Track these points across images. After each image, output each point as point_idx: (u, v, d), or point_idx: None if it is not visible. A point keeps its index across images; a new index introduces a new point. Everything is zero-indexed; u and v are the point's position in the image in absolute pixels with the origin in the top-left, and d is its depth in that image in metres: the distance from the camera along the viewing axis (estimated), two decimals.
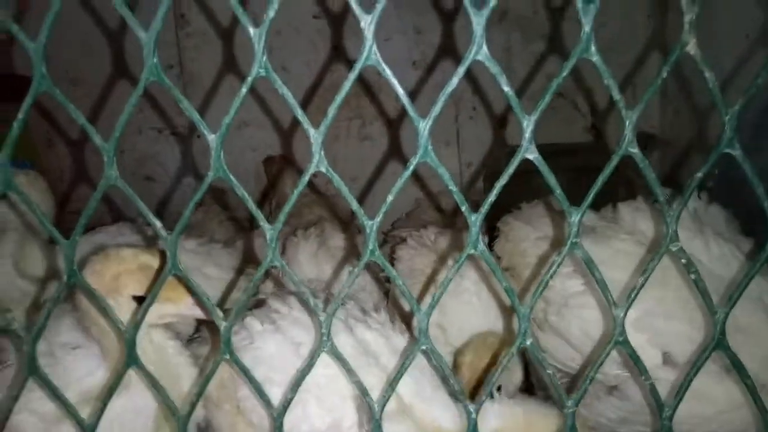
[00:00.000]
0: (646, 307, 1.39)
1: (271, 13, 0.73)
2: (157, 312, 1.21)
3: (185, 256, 1.87)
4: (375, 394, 0.91)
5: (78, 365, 1.30)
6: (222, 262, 1.94)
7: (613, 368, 1.46)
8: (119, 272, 1.24)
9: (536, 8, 3.01)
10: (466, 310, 1.70)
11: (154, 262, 1.24)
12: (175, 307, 1.21)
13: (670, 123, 2.62)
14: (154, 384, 0.90)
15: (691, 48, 0.76)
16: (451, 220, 2.62)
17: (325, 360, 0.89)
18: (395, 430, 0.97)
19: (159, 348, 1.29)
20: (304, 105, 2.91)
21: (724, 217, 1.56)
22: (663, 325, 1.42)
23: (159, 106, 3.05)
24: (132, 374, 1.24)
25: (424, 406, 1.20)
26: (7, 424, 1.24)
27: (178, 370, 1.29)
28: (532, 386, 1.74)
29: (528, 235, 1.76)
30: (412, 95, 2.99)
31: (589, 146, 3.07)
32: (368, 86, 3.08)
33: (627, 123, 0.79)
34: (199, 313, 1.19)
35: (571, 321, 1.52)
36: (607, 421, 1.53)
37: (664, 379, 1.36)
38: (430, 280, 1.77)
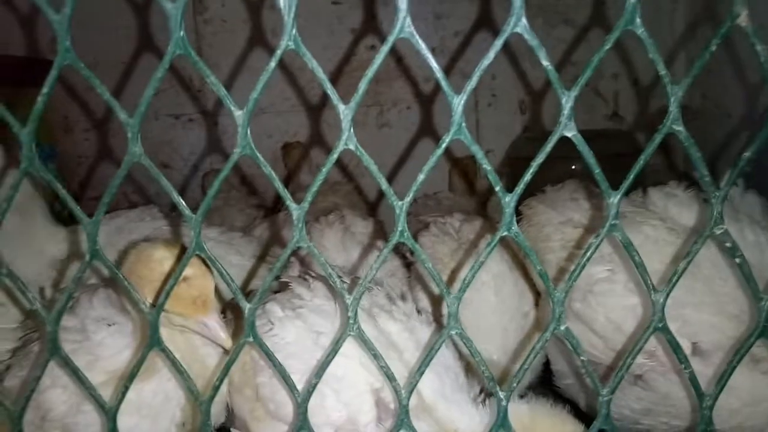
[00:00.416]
0: (675, 295, 1.35)
1: None
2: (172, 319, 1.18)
3: (209, 244, 1.86)
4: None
5: (111, 342, 1.28)
6: (243, 249, 1.93)
7: (638, 357, 1.42)
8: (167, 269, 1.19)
9: None
10: (482, 306, 1.66)
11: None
12: (184, 320, 1.17)
13: (698, 107, 2.55)
14: (177, 367, 0.88)
15: (743, 20, 0.72)
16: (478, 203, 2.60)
17: (346, 350, 0.86)
18: (416, 426, 0.95)
19: (188, 336, 1.27)
20: (323, 91, 2.89)
21: (761, 205, 1.51)
22: (692, 315, 1.38)
23: (176, 92, 3.05)
24: (159, 362, 1.24)
25: (445, 406, 1.18)
26: (39, 400, 1.24)
27: (207, 359, 1.27)
28: (550, 376, 1.71)
29: (551, 219, 1.72)
30: (433, 81, 2.96)
31: (611, 133, 3.01)
32: (387, 72, 3.05)
33: (672, 99, 0.75)
34: (223, 336, 1.16)
35: (597, 308, 1.49)
36: (630, 412, 1.49)
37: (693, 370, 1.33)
38: (453, 270, 1.73)
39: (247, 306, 0.86)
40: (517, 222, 1.89)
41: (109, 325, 1.32)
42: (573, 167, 2.45)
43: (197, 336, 1.25)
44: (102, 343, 1.29)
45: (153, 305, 0.93)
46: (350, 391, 1.19)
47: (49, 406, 1.24)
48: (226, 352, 1.20)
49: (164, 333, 1.22)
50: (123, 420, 1.23)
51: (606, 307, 1.48)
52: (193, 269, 1.12)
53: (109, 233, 1.71)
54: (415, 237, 2.01)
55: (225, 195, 2.72)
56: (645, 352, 1.42)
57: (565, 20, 2.92)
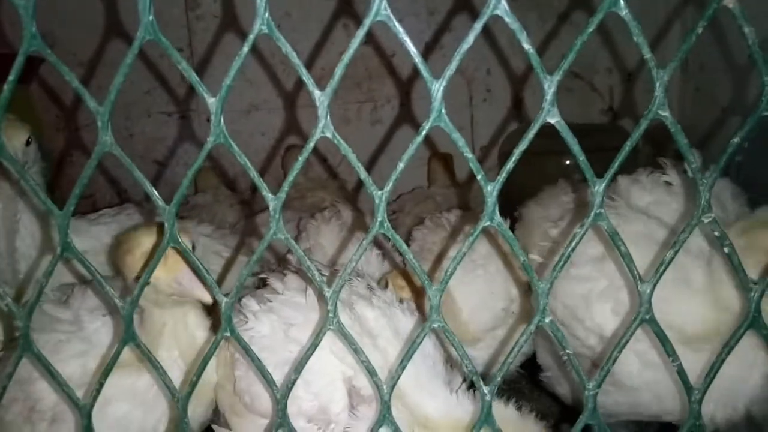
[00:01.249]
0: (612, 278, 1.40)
1: None
2: (158, 287, 1.16)
3: (203, 240, 1.86)
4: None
5: (106, 331, 1.28)
6: (235, 245, 1.94)
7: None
8: (149, 249, 1.18)
9: None
10: (476, 287, 1.65)
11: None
12: (168, 276, 1.14)
13: (690, 99, 2.53)
14: (152, 363, 0.86)
15: (729, 2, 0.70)
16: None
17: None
18: None
19: (191, 334, 1.26)
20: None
21: (731, 191, 1.49)
22: (626, 297, 1.39)
23: (167, 90, 3.02)
24: (160, 353, 1.22)
25: (415, 392, 1.17)
26: (28, 391, 1.23)
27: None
28: (537, 370, 1.69)
29: (547, 217, 1.71)
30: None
31: (606, 128, 2.99)
32: (380, 68, 3.03)
33: (657, 84, 0.73)
34: (199, 291, 1.14)
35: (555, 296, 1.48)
36: (614, 404, 1.47)
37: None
38: (440, 257, 1.71)
39: (224, 300, 0.84)
40: (513, 223, 1.89)
41: (104, 315, 1.31)
42: (567, 162, 2.44)
43: (199, 333, 1.24)
44: (97, 331, 1.29)
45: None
46: (321, 380, 1.17)
47: (37, 396, 1.23)
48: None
49: (168, 324, 1.23)
50: (116, 407, 1.22)
51: (563, 293, 1.47)
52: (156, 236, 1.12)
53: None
54: (409, 232, 2.00)
55: (214, 191, 2.70)
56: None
57: (559, 15, 2.89)
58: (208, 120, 2.61)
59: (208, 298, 1.14)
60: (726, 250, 0.78)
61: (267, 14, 0.70)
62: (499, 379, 0.85)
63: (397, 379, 0.85)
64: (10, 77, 0.73)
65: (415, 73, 2.99)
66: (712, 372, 0.80)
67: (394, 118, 3.07)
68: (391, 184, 0.78)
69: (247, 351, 0.85)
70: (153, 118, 3.11)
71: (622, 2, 0.71)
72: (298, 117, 3.06)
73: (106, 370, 0.86)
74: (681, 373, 0.82)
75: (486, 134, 3.06)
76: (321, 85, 0.73)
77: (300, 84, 2.98)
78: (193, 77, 0.73)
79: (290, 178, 0.78)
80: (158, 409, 1.27)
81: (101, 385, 0.87)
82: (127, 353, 1.16)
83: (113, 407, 1.21)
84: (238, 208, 2.59)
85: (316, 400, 1.15)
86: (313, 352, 0.84)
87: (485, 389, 0.85)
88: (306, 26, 2.94)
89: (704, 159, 1.07)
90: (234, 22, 2.88)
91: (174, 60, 0.73)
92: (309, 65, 2.87)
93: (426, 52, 2.96)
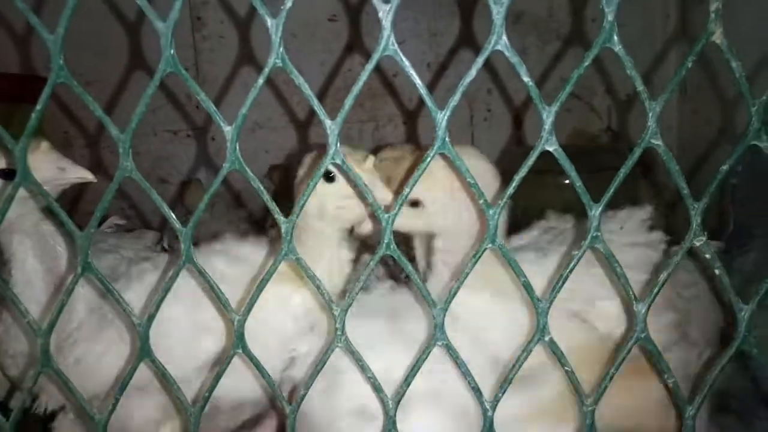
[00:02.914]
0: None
1: (289, 3, 0.72)
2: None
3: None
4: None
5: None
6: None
7: None
8: None
9: (552, 10, 3.00)
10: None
11: None
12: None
13: (689, 121, 2.59)
14: (167, 379, 0.89)
15: (717, 37, 0.75)
16: None
17: None
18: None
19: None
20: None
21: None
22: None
23: (173, 108, 3.07)
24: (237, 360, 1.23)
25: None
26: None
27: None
28: None
29: None
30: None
31: (605, 148, 3.04)
32: (382, 88, 3.08)
33: (650, 114, 0.77)
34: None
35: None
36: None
37: None
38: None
39: (236, 318, 0.87)
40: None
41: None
42: (566, 181, 2.48)
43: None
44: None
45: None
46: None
47: None
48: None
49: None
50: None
51: None
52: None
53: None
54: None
55: (210, 209, 2.72)
56: None
57: (557, 36, 2.95)
58: (213, 138, 2.67)
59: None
60: (717, 271, 0.82)
61: (281, 49, 0.74)
62: (500, 395, 0.88)
63: (403, 394, 0.88)
64: (38, 107, 0.77)
65: (415, 92, 3.05)
66: (705, 388, 0.84)
67: (397, 137, 3.12)
68: (398, 207, 0.82)
69: (258, 367, 0.88)
70: (159, 137, 3.16)
71: (615, 38, 0.76)
72: (302, 135, 3.11)
73: (123, 384, 0.89)
74: (675, 389, 0.85)
75: (486, 152, 3.10)
76: (324, 103, 0.77)
77: (303, 103, 3.03)
78: (211, 107, 0.78)
79: (302, 202, 0.82)
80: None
81: (117, 400, 0.90)
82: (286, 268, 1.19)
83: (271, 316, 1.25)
84: (236, 224, 2.61)
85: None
86: (323, 367, 0.88)
87: (487, 404, 0.88)
88: (312, 47, 3.00)
89: (701, 179, 1.11)
90: (241, 44, 2.94)
91: (193, 91, 0.77)
92: (314, 87, 2.93)
93: (428, 74, 3.02)
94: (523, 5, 2.92)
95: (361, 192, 1.03)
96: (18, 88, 2.44)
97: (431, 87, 2.99)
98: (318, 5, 2.99)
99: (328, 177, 1.22)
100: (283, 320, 1.31)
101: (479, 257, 0.84)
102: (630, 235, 1.44)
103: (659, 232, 1.45)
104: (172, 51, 0.74)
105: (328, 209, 1.25)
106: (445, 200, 1.25)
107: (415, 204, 1.25)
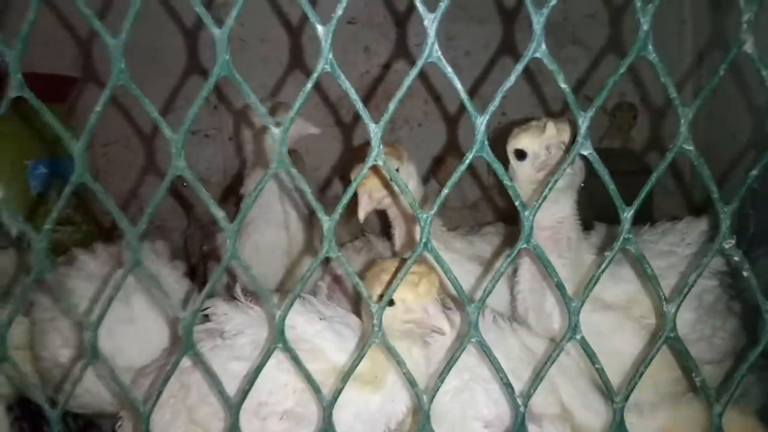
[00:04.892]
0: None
1: (339, 11, 0.76)
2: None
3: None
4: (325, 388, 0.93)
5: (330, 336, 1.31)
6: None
7: None
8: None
9: (567, 14, 3.03)
10: None
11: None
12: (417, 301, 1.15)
13: (703, 126, 2.61)
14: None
15: (749, 47, 0.77)
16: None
17: None
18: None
19: (415, 362, 1.23)
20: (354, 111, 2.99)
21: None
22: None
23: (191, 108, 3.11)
24: (389, 377, 1.21)
25: (583, 410, 1.24)
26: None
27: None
28: None
29: None
30: (444, 99, 3.03)
31: (618, 152, 3.05)
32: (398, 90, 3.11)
33: (682, 120, 0.80)
34: (442, 322, 1.15)
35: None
36: None
37: None
38: None
39: (277, 313, 0.90)
40: None
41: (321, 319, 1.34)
42: (582, 184, 2.50)
43: (422, 360, 1.24)
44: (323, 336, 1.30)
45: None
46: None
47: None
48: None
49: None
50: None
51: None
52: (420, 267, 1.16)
53: None
54: None
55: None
56: None
57: (574, 41, 2.98)
58: (230, 138, 2.70)
59: (447, 329, 1.15)
60: (746, 273, 0.85)
61: (331, 55, 0.78)
62: (532, 390, 0.91)
63: (437, 390, 0.91)
64: (97, 108, 0.81)
65: (433, 95, 3.08)
66: (732, 390, 0.87)
67: (413, 138, 3.15)
68: (435, 208, 0.85)
69: (297, 362, 0.91)
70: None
71: (650, 47, 0.79)
72: (330, 137, 3.14)
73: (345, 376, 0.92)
74: (704, 386, 0.88)
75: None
76: (338, 104, 0.80)
77: (338, 105, 3.05)
78: (261, 109, 0.81)
79: (344, 201, 0.85)
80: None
81: (160, 391, 0.94)
82: (367, 368, 1.19)
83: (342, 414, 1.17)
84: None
85: (495, 408, 1.23)
86: (261, 370, 0.90)
87: (519, 400, 0.91)
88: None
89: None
90: (260, 46, 2.98)
91: (245, 95, 0.80)
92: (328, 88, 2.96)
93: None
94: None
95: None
96: (50, 88, 2.48)
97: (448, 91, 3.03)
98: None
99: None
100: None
101: (513, 257, 0.87)
102: (693, 247, 1.49)
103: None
104: (227, 56, 0.77)
105: (395, 328, 1.19)
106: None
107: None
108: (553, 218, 1.40)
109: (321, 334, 1.29)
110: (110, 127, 3.05)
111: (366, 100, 2.99)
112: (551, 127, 1.32)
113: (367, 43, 3.05)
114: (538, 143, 1.34)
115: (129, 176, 3.07)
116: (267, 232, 1.97)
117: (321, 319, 1.32)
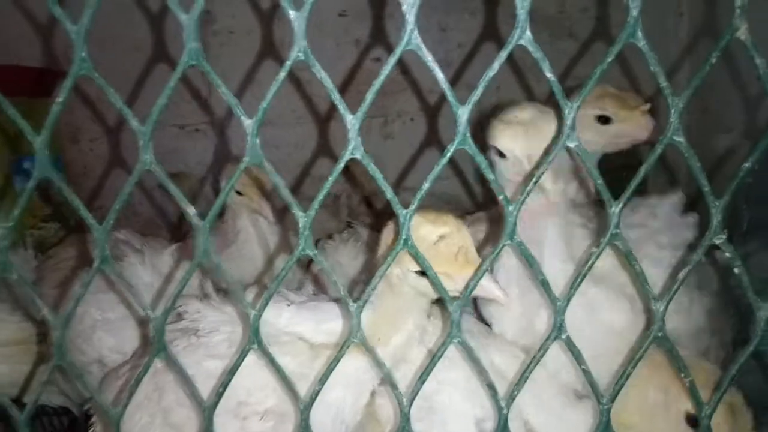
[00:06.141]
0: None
1: None
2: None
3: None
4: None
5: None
6: None
7: None
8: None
9: (563, 7, 2.99)
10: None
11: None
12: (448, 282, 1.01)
13: (695, 119, 2.57)
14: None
15: (742, 33, 0.74)
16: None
17: None
18: None
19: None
20: (330, 103, 2.93)
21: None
22: None
23: (182, 102, 3.07)
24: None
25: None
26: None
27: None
28: None
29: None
30: (437, 93, 2.99)
31: None
32: (389, 84, 3.07)
33: (672, 111, 0.77)
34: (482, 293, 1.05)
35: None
36: None
37: None
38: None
39: (252, 313, 0.87)
40: None
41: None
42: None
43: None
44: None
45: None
46: (456, 422, 1.21)
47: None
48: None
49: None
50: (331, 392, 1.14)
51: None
52: (447, 227, 1.06)
53: None
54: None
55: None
56: None
57: (569, 34, 2.94)
58: (221, 133, 2.68)
59: (506, 299, 1.06)
60: (737, 270, 0.81)
61: (305, 42, 0.74)
62: (516, 393, 0.88)
63: (417, 392, 0.88)
64: (59, 99, 0.77)
65: (425, 88, 3.04)
66: (720, 391, 0.83)
67: (405, 132, 3.11)
68: (416, 203, 0.82)
69: (273, 362, 0.88)
70: (166, 131, 3.15)
71: (640, 33, 0.75)
72: (311, 131, 3.11)
73: (138, 379, 0.89)
74: (692, 389, 0.85)
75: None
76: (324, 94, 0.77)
77: (315, 98, 3.02)
78: (233, 100, 0.78)
79: (320, 197, 0.82)
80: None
81: (131, 392, 0.90)
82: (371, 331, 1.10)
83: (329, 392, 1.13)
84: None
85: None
86: (236, 370, 0.87)
87: (502, 402, 0.88)
88: (320, 44, 3.00)
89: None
90: (250, 38, 2.93)
91: (215, 84, 0.77)
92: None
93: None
94: (534, 3, 2.90)
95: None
96: (36, 81, 2.44)
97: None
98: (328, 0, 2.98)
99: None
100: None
101: (497, 253, 0.84)
102: (663, 219, 1.45)
103: (693, 214, 1.47)
104: (195, 44, 0.73)
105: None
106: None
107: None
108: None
109: (293, 320, 1.24)
110: (98, 122, 3.02)
111: (359, 93, 2.95)
112: (535, 138, 1.19)
113: (357, 36, 3.00)
114: (519, 149, 1.21)
115: (116, 172, 3.02)
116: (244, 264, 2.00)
117: (288, 305, 1.27)
